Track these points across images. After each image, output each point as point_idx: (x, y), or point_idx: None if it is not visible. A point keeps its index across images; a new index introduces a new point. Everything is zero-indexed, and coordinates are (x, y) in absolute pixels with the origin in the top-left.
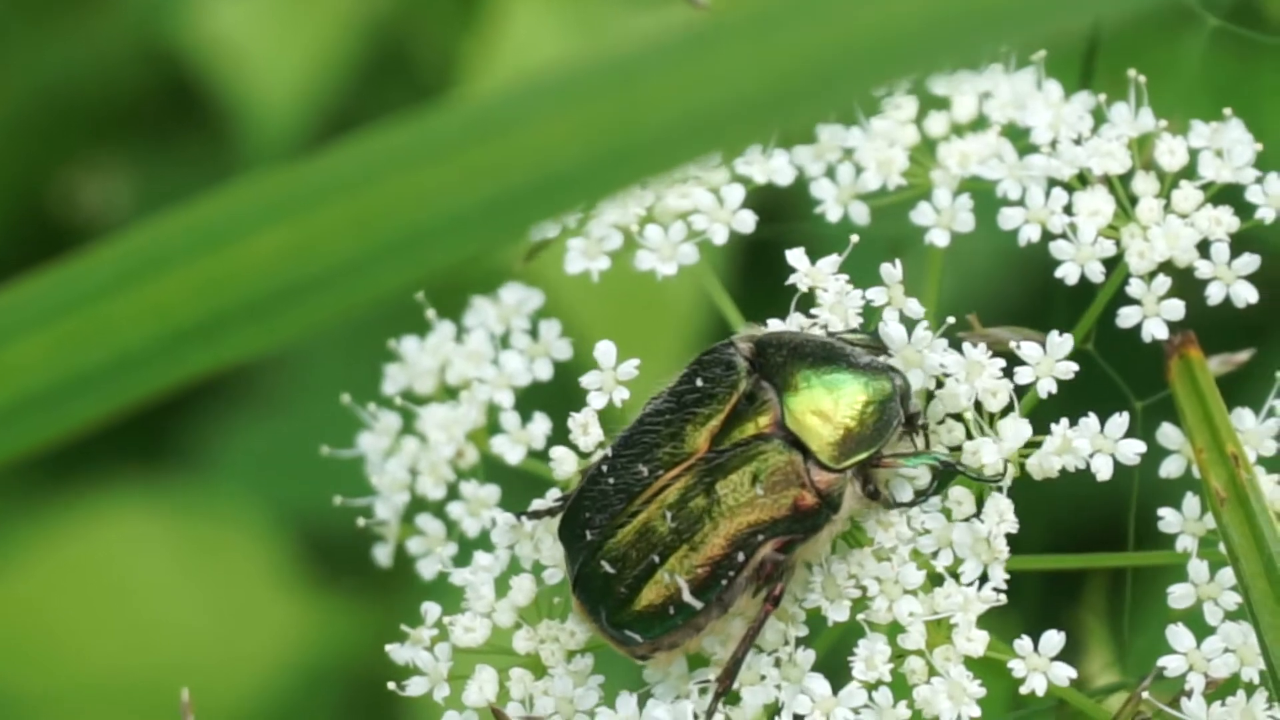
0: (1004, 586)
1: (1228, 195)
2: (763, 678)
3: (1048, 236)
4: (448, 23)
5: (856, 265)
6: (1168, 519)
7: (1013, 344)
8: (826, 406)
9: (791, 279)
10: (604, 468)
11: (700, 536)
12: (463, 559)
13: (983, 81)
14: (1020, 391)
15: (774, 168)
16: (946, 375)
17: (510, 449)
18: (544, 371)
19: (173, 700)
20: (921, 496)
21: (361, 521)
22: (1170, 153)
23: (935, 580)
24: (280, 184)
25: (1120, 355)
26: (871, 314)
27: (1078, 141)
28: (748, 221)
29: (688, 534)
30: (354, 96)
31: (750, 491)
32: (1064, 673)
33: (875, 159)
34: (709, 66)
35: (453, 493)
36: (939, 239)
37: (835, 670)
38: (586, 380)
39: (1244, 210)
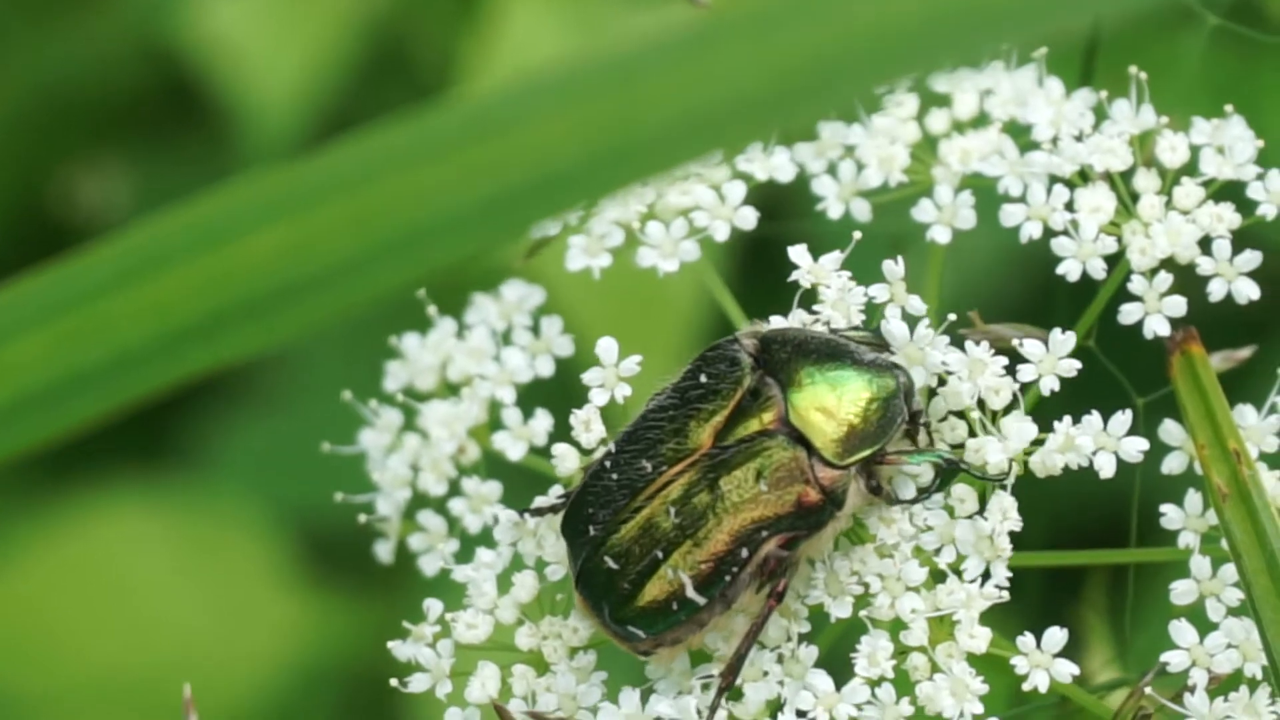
0: (1006, 584)
1: (1229, 192)
2: (765, 674)
3: (1049, 233)
4: (447, 22)
5: (858, 262)
6: (1170, 515)
7: (1015, 341)
8: (831, 403)
9: (794, 275)
10: (607, 463)
11: (704, 532)
12: (464, 556)
13: (984, 78)
14: (1023, 389)
15: (775, 165)
16: (949, 373)
17: (512, 445)
18: (545, 368)
19: (172, 699)
20: (924, 494)
21: (363, 518)
22: (1172, 149)
23: (938, 577)
24: (279, 183)
25: (1122, 352)
26: (873, 311)
27: (1079, 138)
28: (749, 218)
29: (691, 530)
30: (353, 95)
31: (754, 487)
32: (1067, 669)
33: (877, 156)
34: (709, 65)
35: (454, 489)
36: (940, 236)
37: (838, 667)
38: (588, 377)
39: (1245, 207)
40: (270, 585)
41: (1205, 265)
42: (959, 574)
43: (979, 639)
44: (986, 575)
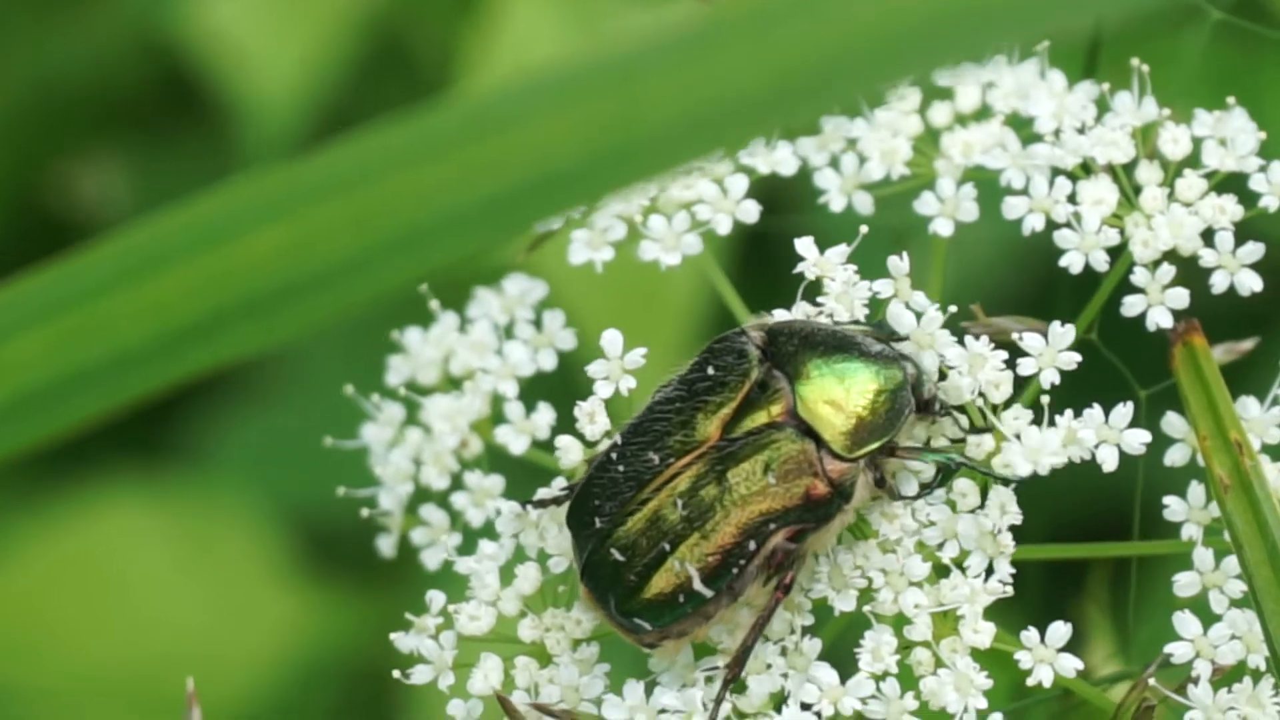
0: (1009, 579)
1: (1232, 184)
2: (769, 666)
3: (1051, 226)
4: (447, 19)
5: (860, 255)
6: (1172, 507)
7: (1016, 334)
8: (839, 395)
9: (799, 268)
10: (613, 455)
11: (711, 525)
12: (466, 549)
13: (986, 72)
14: (1024, 382)
15: (778, 158)
16: (950, 368)
17: (514, 439)
18: (548, 362)
19: (171, 694)
20: (927, 489)
21: (365, 512)
22: (1174, 141)
23: (941, 572)
24: (279, 182)
25: (1124, 344)
26: (878, 305)
27: (1081, 130)
28: (752, 212)
29: (699, 522)
30: (353, 92)
31: (762, 480)
32: (1071, 663)
33: (879, 149)
34: (709, 64)
35: (457, 483)
36: (943, 228)
37: (841, 660)
38: (593, 369)
39: (1248, 199)
40: (269, 581)
41: (1208, 257)
42: (962, 569)
43: (983, 634)
44: (990, 570)
